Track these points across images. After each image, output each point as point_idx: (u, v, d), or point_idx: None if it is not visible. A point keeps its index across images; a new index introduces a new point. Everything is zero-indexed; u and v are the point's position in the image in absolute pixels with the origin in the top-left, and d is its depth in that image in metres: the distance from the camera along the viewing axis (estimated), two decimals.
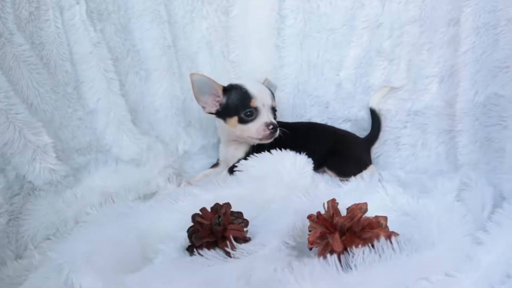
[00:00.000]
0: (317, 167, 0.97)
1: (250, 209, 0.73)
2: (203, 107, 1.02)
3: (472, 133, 0.99)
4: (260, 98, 0.98)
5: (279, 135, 0.99)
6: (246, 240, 0.67)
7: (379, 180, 0.94)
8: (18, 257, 0.80)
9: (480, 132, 0.98)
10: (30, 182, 0.86)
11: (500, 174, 0.92)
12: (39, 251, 0.82)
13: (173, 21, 1.17)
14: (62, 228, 0.87)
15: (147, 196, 1.02)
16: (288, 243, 0.64)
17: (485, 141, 0.97)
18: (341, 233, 0.62)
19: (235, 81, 1.04)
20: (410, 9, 1.07)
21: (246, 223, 0.70)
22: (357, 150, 1.06)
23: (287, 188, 0.82)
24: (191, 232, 0.70)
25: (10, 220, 0.81)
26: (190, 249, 0.67)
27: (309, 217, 0.65)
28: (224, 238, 0.67)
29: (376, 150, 1.13)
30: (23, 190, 0.85)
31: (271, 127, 0.96)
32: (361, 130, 1.14)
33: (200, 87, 0.98)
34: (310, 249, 0.65)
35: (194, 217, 0.71)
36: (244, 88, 0.99)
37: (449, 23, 1.03)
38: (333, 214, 0.63)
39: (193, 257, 0.63)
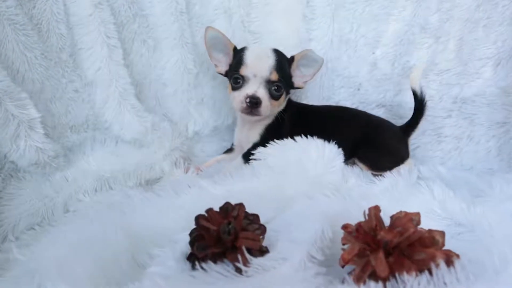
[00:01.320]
0: (346, 159, 0.83)
1: (268, 209, 0.60)
2: (215, 66, 0.95)
3: None
4: (252, 67, 0.85)
5: (304, 120, 0.85)
6: (262, 251, 0.54)
7: (418, 177, 0.80)
8: None
9: None
10: (12, 162, 0.74)
11: None
12: (20, 243, 0.70)
13: None
14: (49, 217, 0.75)
15: (150, 182, 0.89)
16: (314, 258, 0.51)
17: None
18: (385, 251, 0.48)
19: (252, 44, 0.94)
20: None
21: (263, 230, 0.56)
22: (393, 141, 0.90)
23: (312, 183, 0.68)
24: (193, 238, 0.56)
25: None
26: (192, 260, 0.54)
27: (345, 227, 0.51)
28: (235, 248, 0.53)
29: (413, 141, 0.98)
30: (3, 172, 0.73)
31: (248, 100, 0.83)
32: (397, 117, 0.99)
33: (213, 43, 0.91)
34: (343, 266, 0.52)
35: (198, 219, 0.57)
36: (243, 52, 0.88)
37: None
38: (376, 226, 0.50)
39: (195, 272, 0.50)
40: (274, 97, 0.87)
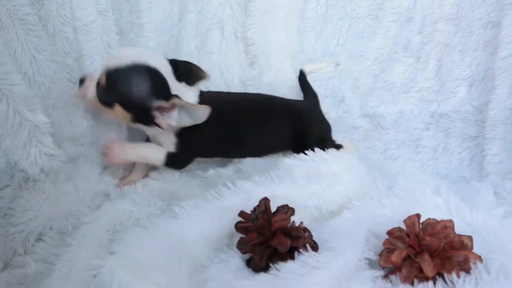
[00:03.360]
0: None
1: (310, 216, 0.63)
2: None
3: (507, 142, 0.96)
4: None
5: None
6: (298, 232, 0.57)
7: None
8: (6, 266, 0.65)
9: None
10: (22, 170, 0.69)
11: None
12: (33, 258, 0.66)
13: None
14: (60, 228, 0.72)
15: None
16: (368, 259, 0.56)
17: None
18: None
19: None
20: (445, 5, 1.01)
21: (292, 211, 0.60)
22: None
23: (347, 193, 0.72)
24: (238, 243, 0.59)
25: None
26: (253, 264, 0.56)
27: (391, 233, 0.57)
28: (274, 234, 0.57)
29: (393, 151, 1.07)
30: (14, 181, 0.68)
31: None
32: (379, 128, 1.08)
33: None
34: (384, 268, 0.57)
35: (236, 227, 0.60)
36: None
37: (486, 26, 0.99)
38: (419, 232, 0.56)
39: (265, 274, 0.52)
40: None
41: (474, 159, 1.01)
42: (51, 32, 0.77)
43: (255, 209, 0.59)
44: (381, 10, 1.05)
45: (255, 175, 0.69)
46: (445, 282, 0.51)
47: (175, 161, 0.84)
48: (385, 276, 0.55)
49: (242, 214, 0.59)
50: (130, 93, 0.72)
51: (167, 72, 0.76)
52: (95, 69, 0.83)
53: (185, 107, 0.74)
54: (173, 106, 0.74)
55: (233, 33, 1.08)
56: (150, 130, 0.81)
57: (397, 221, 0.64)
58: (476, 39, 1.00)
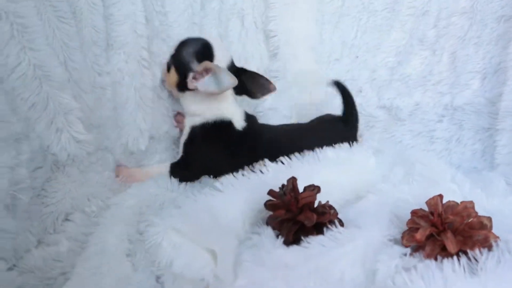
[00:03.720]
0: None
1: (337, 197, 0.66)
2: None
3: None
4: None
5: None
6: (323, 208, 0.60)
7: None
8: (40, 243, 0.67)
9: None
10: (54, 154, 0.72)
11: None
12: (65, 236, 0.69)
13: None
14: (85, 209, 0.75)
15: None
16: (392, 237, 0.58)
17: None
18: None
19: None
20: (460, 0, 1.04)
21: (318, 189, 0.63)
22: None
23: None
24: (267, 219, 0.62)
25: (32, 197, 0.67)
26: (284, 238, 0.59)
27: (414, 213, 0.59)
28: (301, 210, 0.60)
29: (408, 141, 1.09)
30: (46, 163, 0.71)
31: None
32: (396, 119, 1.10)
33: None
34: (407, 247, 0.59)
35: (265, 204, 0.63)
36: None
37: (500, 19, 1.01)
38: (442, 211, 0.58)
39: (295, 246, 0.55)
40: None
41: (487, 151, 1.03)
42: (78, 20, 0.78)
43: (283, 185, 0.61)
44: (397, 4, 1.07)
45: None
46: (469, 259, 0.54)
47: (178, 170, 0.85)
48: (409, 254, 0.57)
49: (271, 192, 0.62)
50: (181, 53, 0.86)
51: (221, 58, 0.86)
52: (126, 60, 0.85)
53: (215, 73, 0.80)
54: (205, 71, 0.81)
55: (253, 23, 1.10)
56: (184, 101, 0.88)
57: (417, 204, 0.66)
58: (490, 32, 1.02)
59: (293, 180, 0.61)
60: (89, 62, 0.81)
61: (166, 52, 0.97)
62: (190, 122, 0.88)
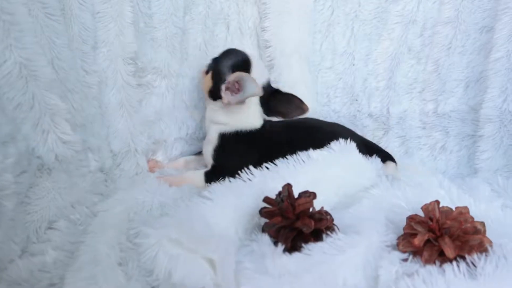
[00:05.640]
0: None
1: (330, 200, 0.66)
2: None
3: (496, 140, 1.01)
4: None
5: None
6: (320, 214, 0.59)
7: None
8: (24, 252, 0.64)
9: (506, 140, 1.00)
10: (38, 157, 0.68)
11: None
12: (51, 246, 0.65)
13: None
14: (70, 217, 0.71)
15: None
16: (390, 243, 0.58)
17: (510, 148, 1.00)
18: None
19: None
20: (445, 10, 1.06)
21: (313, 195, 0.62)
22: None
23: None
24: (263, 227, 0.61)
25: (17, 204, 0.63)
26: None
27: (411, 218, 0.59)
28: (298, 217, 0.59)
29: (396, 148, 1.11)
30: (31, 168, 0.67)
31: None
32: (386, 126, 1.12)
33: None
34: (403, 252, 0.59)
35: (261, 212, 0.62)
36: None
37: (482, 30, 1.04)
38: (439, 217, 0.58)
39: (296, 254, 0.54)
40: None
41: (471, 157, 1.06)
42: (68, 17, 0.76)
43: (280, 193, 0.60)
44: (386, 13, 1.09)
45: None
46: (467, 264, 0.54)
47: (213, 178, 0.85)
48: (406, 260, 0.57)
49: (266, 199, 0.61)
50: (221, 61, 0.89)
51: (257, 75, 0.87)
52: (110, 59, 0.84)
53: (243, 80, 0.83)
54: (237, 80, 0.84)
55: (238, 29, 1.09)
56: (213, 109, 0.91)
57: (411, 209, 0.67)
58: (473, 42, 1.05)
59: (288, 187, 0.60)
60: (78, 61, 0.79)
61: (150, 53, 0.96)
62: (218, 129, 0.90)
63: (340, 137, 0.82)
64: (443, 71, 1.08)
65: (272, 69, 1.08)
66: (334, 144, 0.82)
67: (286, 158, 0.75)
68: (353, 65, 1.11)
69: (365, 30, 1.10)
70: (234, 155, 0.88)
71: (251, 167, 0.71)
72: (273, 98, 0.91)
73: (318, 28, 1.11)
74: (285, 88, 1.04)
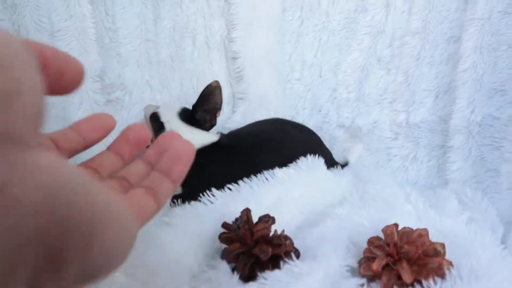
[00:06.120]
0: None
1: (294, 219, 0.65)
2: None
3: (465, 151, 1.01)
4: None
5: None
6: (279, 240, 0.58)
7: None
8: None
9: (474, 151, 1.01)
10: None
11: (493, 193, 0.96)
12: None
13: None
14: None
15: None
16: (349, 267, 0.57)
17: (478, 160, 1.00)
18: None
19: None
20: (413, 20, 1.06)
21: (272, 220, 0.61)
22: None
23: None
24: (222, 253, 0.60)
25: None
26: (237, 272, 0.57)
27: (371, 242, 0.59)
28: (256, 243, 0.58)
29: (366, 159, 1.11)
30: None
31: None
32: (353, 137, 1.11)
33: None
34: (364, 276, 0.59)
35: (220, 237, 0.61)
36: None
37: (449, 40, 1.05)
38: (397, 241, 0.58)
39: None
40: None
41: (441, 168, 1.06)
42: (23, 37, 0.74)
43: (236, 219, 0.59)
44: (355, 23, 1.09)
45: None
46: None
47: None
48: (362, 286, 0.57)
49: (224, 225, 0.60)
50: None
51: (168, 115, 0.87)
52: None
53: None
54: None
55: (205, 43, 1.08)
56: None
57: (374, 229, 0.67)
58: (441, 52, 1.06)
59: (247, 212, 0.59)
60: None
61: (117, 69, 0.94)
62: None
63: (307, 150, 0.81)
64: (413, 82, 1.08)
65: (241, 80, 1.07)
66: (301, 162, 0.81)
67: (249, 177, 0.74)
68: (320, 76, 1.11)
69: (334, 40, 1.10)
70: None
71: (213, 189, 0.70)
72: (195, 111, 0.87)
73: (287, 38, 1.10)
74: (254, 100, 1.03)
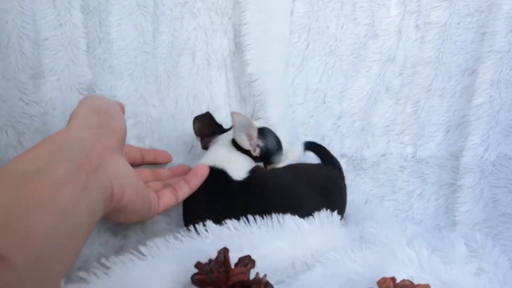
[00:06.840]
0: None
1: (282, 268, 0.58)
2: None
3: (476, 191, 0.93)
4: None
5: None
6: (258, 286, 0.51)
7: None
8: None
9: (486, 192, 0.93)
10: None
11: (505, 240, 0.88)
12: None
13: (159, 12, 0.97)
14: None
15: None
16: None
17: (491, 202, 0.92)
18: None
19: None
20: (426, 49, 1.00)
21: (252, 263, 0.54)
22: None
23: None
24: None
25: None
26: None
27: None
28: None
29: (370, 192, 1.03)
30: None
31: None
32: (358, 169, 1.04)
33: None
34: None
35: (192, 279, 0.54)
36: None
37: (464, 72, 0.98)
38: None
39: None
40: None
41: (450, 207, 0.98)
42: (4, 45, 0.69)
43: (210, 261, 0.52)
44: (364, 49, 1.03)
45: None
46: None
47: None
48: None
49: (198, 265, 0.53)
50: None
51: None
52: (60, 86, 0.77)
53: None
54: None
55: (205, 60, 1.02)
56: None
57: (370, 278, 0.59)
58: (454, 84, 0.99)
59: (224, 252, 0.52)
60: (14, 92, 0.72)
61: (110, 81, 0.89)
62: None
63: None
64: (423, 114, 1.01)
65: (259, 102, 0.98)
66: (318, 216, 0.73)
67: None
68: (324, 102, 1.04)
69: (341, 66, 1.04)
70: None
71: (210, 222, 0.64)
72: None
73: (292, 61, 1.04)
74: (272, 123, 0.96)
